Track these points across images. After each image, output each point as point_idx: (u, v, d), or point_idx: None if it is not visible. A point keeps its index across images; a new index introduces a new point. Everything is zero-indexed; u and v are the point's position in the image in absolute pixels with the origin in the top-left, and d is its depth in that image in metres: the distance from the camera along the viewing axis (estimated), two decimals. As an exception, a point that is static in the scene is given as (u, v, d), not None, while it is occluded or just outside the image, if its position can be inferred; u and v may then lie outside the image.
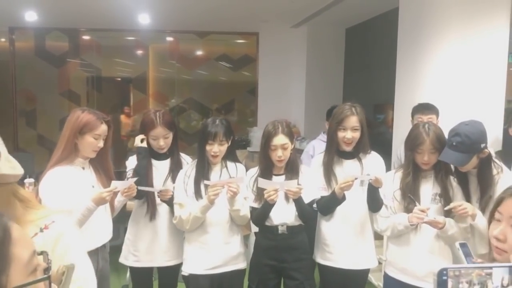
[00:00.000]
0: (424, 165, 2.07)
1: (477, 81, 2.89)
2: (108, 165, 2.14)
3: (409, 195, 2.06)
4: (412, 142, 2.06)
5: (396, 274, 2.16)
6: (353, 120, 2.18)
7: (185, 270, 2.22)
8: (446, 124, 2.78)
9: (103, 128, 2.02)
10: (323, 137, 3.42)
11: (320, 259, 2.31)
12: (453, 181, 2.11)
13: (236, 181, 2.10)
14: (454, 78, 3.08)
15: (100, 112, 2.07)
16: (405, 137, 2.16)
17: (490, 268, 0.79)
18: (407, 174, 2.10)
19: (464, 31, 2.99)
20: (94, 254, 2.04)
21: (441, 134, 2.09)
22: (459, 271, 0.77)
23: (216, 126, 2.15)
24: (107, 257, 2.18)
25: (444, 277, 0.77)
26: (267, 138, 2.15)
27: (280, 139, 2.13)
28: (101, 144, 2.02)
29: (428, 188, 2.11)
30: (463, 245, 1.32)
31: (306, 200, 2.16)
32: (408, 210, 2.06)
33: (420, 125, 2.13)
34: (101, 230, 2.10)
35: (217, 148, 2.15)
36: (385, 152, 3.52)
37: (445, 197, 2.07)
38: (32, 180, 3.95)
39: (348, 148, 2.23)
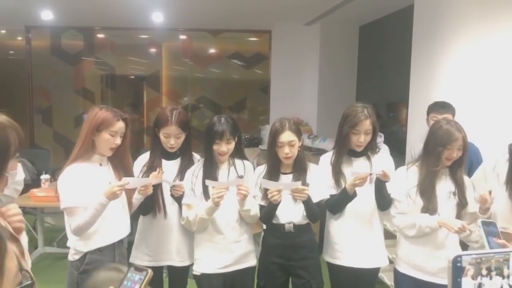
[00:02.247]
0: (449, 161, 2.07)
1: (494, 80, 2.84)
2: (127, 162, 2.16)
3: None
4: (444, 138, 2.03)
5: (407, 270, 2.16)
6: (366, 124, 2.16)
7: (197, 270, 2.22)
8: (462, 123, 2.74)
9: (119, 125, 2.03)
10: None
11: (329, 258, 2.30)
12: (466, 179, 2.12)
13: (237, 182, 2.08)
14: (470, 76, 3.03)
15: (119, 109, 2.09)
16: (426, 135, 2.14)
17: (508, 253, 0.81)
18: (437, 172, 2.08)
19: (480, 28, 2.93)
20: (110, 249, 2.08)
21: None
22: (481, 258, 0.80)
23: (222, 125, 2.13)
24: (124, 253, 2.21)
25: (458, 264, 0.79)
26: (274, 135, 2.15)
27: (287, 136, 2.12)
28: (118, 141, 2.04)
29: (442, 186, 2.10)
30: (487, 224, 1.30)
31: (315, 199, 2.15)
32: (428, 210, 2.06)
33: (443, 122, 2.12)
34: (117, 226, 2.12)
35: (224, 147, 2.13)
36: (399, 151, 3.49)
37: (461, 194, 2.08)
38: (48, 176, 4.03)
39: (360, 149, 2.23)
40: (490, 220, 1.38)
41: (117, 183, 1.98)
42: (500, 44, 2.79)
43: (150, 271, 1.04)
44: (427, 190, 2.08)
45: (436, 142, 2.06)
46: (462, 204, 2.07)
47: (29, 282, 0.76)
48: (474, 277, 0.80)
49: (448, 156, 2.05)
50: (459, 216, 2.08)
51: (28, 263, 0.89)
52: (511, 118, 2.71)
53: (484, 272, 0.80)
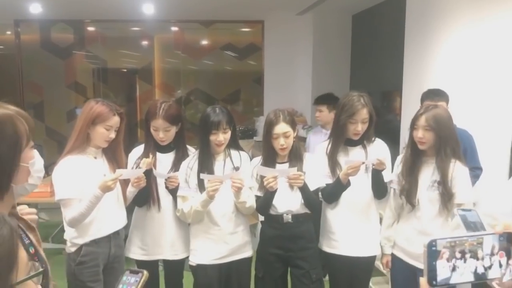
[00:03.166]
0: (419, 143, 2.05)
1: (487, 67, 2.84)
2: (120, 155, 2.18)
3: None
4: (412, 120, 2.10)
5: (398, 252, 2.21)
6: (363, 113, 2.18)
7: (193, 261, 2.23)
8: (455, 110, 2.75)
9: (115, 119, 2.05)
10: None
11: (326, 248, 2.31)
12: (458, 169, 2.03)
13: (232, 175, 2.07)
14: (463, 64, 3.03)
15: (114, 104, 2.11)
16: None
17: (481, 237, 0.84)
18: (407, 152, 2.13)
19: (473, 15, 2.92)
20: (106, 240, 2.12)
21: (441, 115, 2.04)
22: (455, 242, 0.83)
23: (218, 115, 2.13)
24: (121, 244, 2.24)
25: (434, 248, 0.82)
26: (269, 126, 2.15)
27: (282, 128, 2.12)
28: (112, 135, 2.06)
29: (427, 174, 2.08)
30: (465, 211, 1.33)
31: (311, 187, 2.16)
32: (405, 192, 2.09)
33: (423, 107, 2.16)
34: (112, 218, 2.14)
35: (221, 137, 2.14)
36: (393, 140, 3.50)
37: (444, 185, 2.01)
38: (41, 172, 3.99)
39: (357, 138, 2.24)
40: (469, 208, 1.39)
41: (111, 176, 1.99)
42: (492, 31, 2.78)
43: (146, 272, 1.04)
44: (408, 173, 2.10)
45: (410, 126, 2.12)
46: (445, 193, 2.01)
47: (41, 269, 0.80)
48: (449, 260, 0.83)
49: (415, 137, 2.06)
50: (444, 206, 2.02)
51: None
52: (506, 106, 2.72)
53: (458, 255, 0.83)
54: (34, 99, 6.54)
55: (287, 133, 2.13)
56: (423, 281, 0.83)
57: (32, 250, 1.05)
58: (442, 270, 0.82)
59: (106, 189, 1.95)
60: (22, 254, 0.75)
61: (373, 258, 2.34)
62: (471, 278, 0.84)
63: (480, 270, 0.84)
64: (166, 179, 2.20)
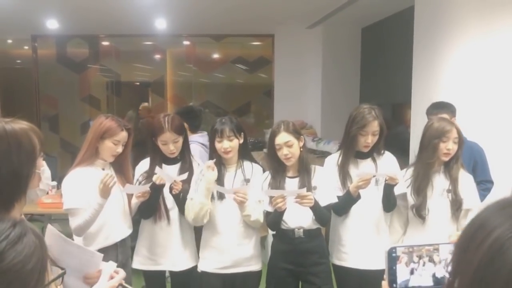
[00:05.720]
0: (446, 155, 2.11)
1: (496, 79, 2.84)
2: (127, 169, 2.25)
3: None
4: (438, 131, 2.11)
5: None
6: (374, 125, 2.18)
7: (199, 268, 2.27)
8: (464, 122, 2.74)
9: (123, 134, 2.13)
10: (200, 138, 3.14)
11: (335, 260, 2.30)
12: (463, 176, 2.15)
13: (242, 189, 2.09)
14: (472, 76, 3.03)
15: (122, 119, 2.20)
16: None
17: (437, 245, 0.92)
18: (432, 164, 2.14)
19: (482, 27, 2.93)
20: (113, 248, 2.16)
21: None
22: (412, 248, 0.91)
23: (223, 123, 2.18)
24: (128, 252, 2.29)
25: (394, 254, 0.91)
26: (272, 138, 2.18)
27: (283, 137, 2.14)
28: (119, 149, 2.14)
29: (437, 183, 2.15)
30: None
31: (323, 203, 2.15)
32: (417, 207, 2.14)
33: (435, 119, 2.22)
34: (119, 226, 2.20)
35: (226, 144, 2.15)
36: (403, 152, 3.49)
37: (454, 191, 2.13)
38: (55, 183, 4.06)
39: (367, 150, 2.24)
40: None
41: (103, 177, 2.01)
42: (500, 43, 2.79)
43: None
44: (421, 185, 2.14)
45: (431, 136, 2.12)
46: (456, 201, 2.12)
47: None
48: (407, 264, 0.90)
49: (444, 149, 2.10)
50: (453, 212, 2.13)
51: None
52: (515, 117, 2.70)
53: (415, 259, 0.90)
54: (50, 111, 6.69)
55: (289, 142, 2.13)
56: (384, 284, 0.90)
57: None
58: (401, 273, 0.90)
59: (103, 193, 2.00)
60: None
61: (382, 271, 2.32)
62: (430, 282, 0.90)
63: (439, 275, 0.90)
64: (172, 183, 2.20)
